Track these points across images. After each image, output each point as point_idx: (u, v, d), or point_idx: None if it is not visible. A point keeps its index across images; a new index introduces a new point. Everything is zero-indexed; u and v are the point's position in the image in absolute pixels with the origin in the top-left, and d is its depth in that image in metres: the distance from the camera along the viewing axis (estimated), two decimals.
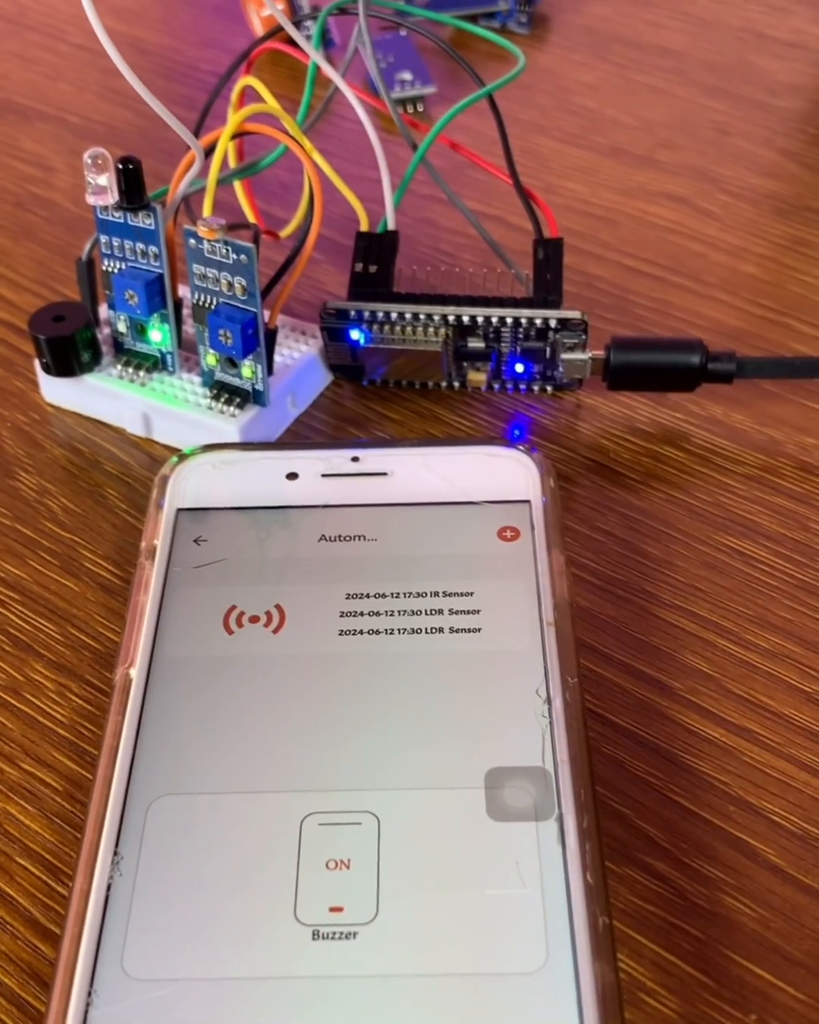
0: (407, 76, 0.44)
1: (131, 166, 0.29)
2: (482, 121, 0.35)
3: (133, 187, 0.29)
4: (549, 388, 0.33)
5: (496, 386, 0.33)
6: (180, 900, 0.21)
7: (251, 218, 0.34)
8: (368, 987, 0.20)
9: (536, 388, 0.33)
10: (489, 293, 0.32)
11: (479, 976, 0.20)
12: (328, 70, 0.32)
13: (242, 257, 0.28)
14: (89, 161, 0.29)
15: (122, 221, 0.30)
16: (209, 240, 0.28)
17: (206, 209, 0.29)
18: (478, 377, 0.33)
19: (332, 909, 0.21)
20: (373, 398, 0.33)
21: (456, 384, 0.33)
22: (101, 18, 0.27)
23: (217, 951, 0.21)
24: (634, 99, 0.45)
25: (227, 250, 0.28)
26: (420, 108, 0.44)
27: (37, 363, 0.32)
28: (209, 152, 0.30)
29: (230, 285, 0.29)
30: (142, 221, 0.30)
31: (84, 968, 0.20)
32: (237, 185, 0.34)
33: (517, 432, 0.32)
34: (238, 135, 0.30)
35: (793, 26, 0.49)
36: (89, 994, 0.20)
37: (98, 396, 0.32)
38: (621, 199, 0.40)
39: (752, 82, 0.46)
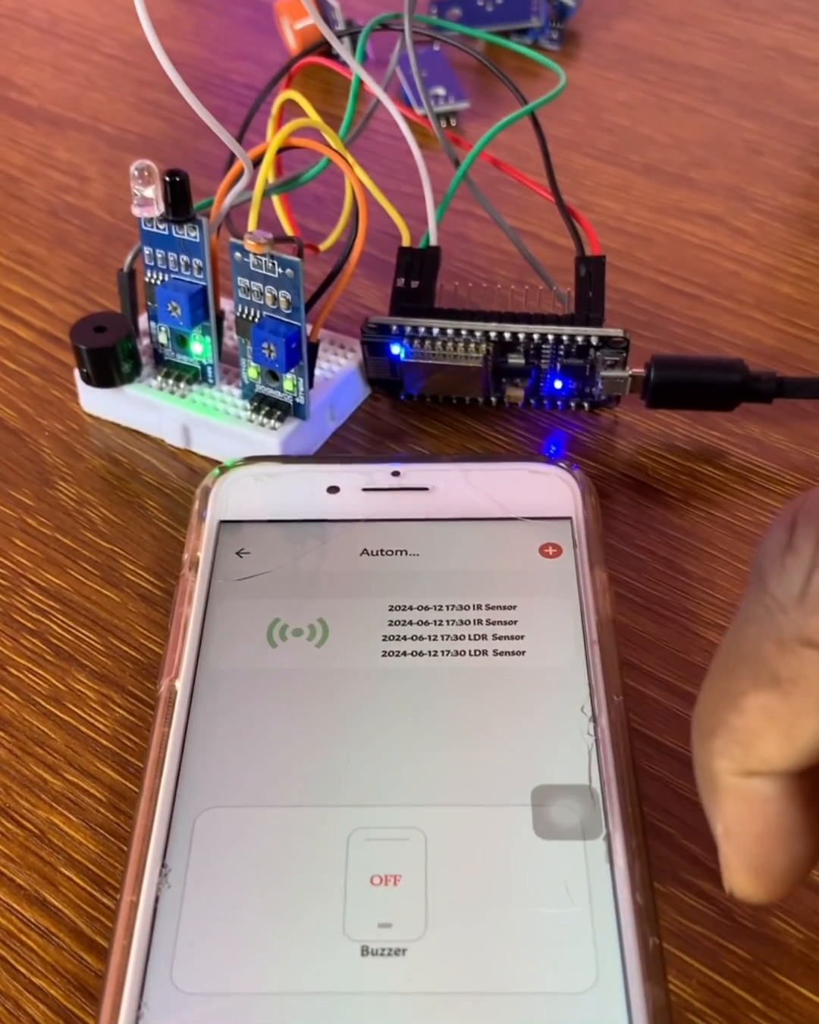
0: (440, 91, 0.44)
1: (178, 179, 0.29)
2: (515, 137, 0.35)
3: (179, 200, 0.29)
4: (586, 405, 0.33)
5: (533, 402, 0.33)
6: (228, 913, 0.21)
7: (289, 231, 0.34)
8: (417, 1004, 0.20)
9: (573, 405, 0.33)
10: (528, 309, 0.32)
11: (529, 995, 0.20)
12: (372, 85, 0.32)
13: (288, 271, 0.28)
14: (136, 173, 0.29)
15: (167, 233, 0.30)
16: (256, 254, 0.28)
17: (251, 223, 0.30)
18: (516, 393, 0.33)
19: (381, 925, 0.21)
20: (410, 412, 0.33)
21: (493, 400, 0.33)
22: (132, 29, 0.27)
23: (267, 965, 0.21)
24: (667, 117, 0.45)
25: (273, 264, 0.29)
26: (454, 122, 0.44)
27: (77, 373, 0.32)
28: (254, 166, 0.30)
29: (275, 299, 0.29)
30: (187, 234, 0.30)
31: (134, 980, 0.20)
32: (275, 199, 0.34)
33: (554, 448, 0.32)
34: (283, 149, 0.30)
35: None
36: (139, 1007, 0.20)
37: (138, 407, 0.32)
38: (656, 217, 0.40)
39: (783, 102, 0.46)
